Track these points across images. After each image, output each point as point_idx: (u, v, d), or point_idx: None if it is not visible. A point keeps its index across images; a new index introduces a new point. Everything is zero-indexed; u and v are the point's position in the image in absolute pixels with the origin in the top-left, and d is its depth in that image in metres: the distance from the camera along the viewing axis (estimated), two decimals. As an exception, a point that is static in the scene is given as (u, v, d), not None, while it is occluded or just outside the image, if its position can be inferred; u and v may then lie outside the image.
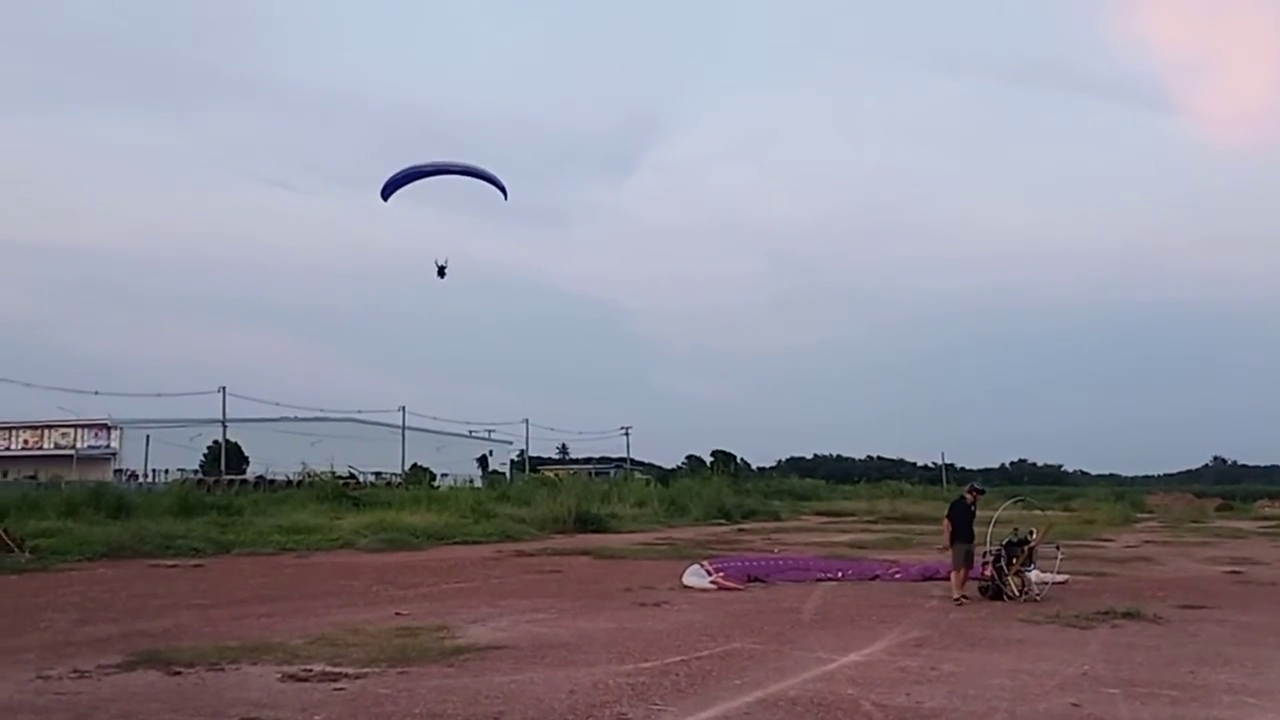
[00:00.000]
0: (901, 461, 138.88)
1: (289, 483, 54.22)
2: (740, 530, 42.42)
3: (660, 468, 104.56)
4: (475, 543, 31.62)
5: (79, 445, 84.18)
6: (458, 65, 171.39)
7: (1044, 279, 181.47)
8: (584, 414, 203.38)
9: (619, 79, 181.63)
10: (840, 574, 21.46)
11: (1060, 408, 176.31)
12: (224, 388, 72.84)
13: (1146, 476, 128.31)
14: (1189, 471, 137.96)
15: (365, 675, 10.38)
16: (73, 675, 10.27)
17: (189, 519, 31.68)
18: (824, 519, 56.01)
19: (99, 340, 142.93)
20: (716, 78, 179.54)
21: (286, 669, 10.63)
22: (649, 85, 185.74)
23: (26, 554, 22.90)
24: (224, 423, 74.87)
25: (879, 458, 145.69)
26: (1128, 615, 15.38)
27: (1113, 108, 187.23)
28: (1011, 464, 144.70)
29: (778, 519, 54.22)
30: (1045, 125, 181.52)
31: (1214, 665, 11.53)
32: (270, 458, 69.86)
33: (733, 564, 21.71)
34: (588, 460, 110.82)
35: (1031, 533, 18.09)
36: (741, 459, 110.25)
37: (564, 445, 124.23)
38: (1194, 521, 55.25)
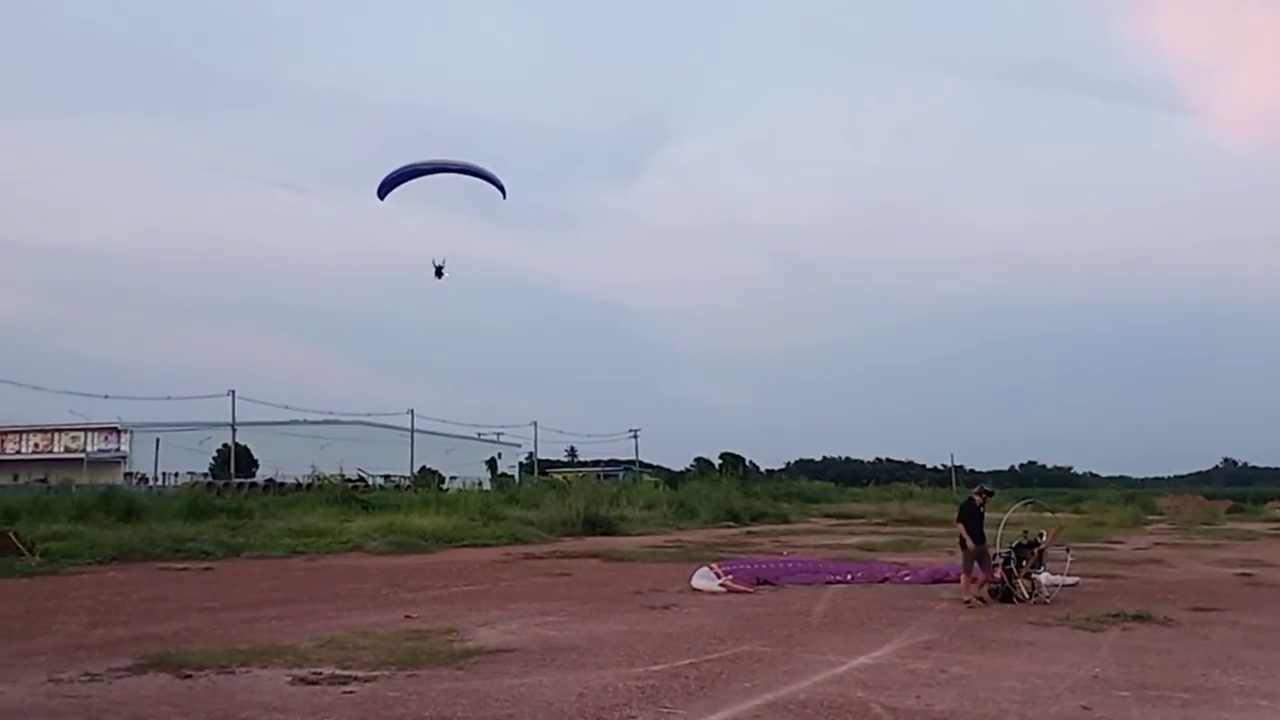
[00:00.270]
0: (910, 463, 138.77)
1: (298, 486, 54.30)
2: (749, 533, 42.38)
3: (669, 470, 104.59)
4: (484, 545, 31.65)
5: (89, 449, 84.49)
6: (463, 67, 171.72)
7: (1052, 279, 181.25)
8: (592, 416, 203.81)
9: (625, 81, 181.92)
10: (850, 576, 21.41)
11: (1069, 409, 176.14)
12: (233, 391, 72.92)
13: (1156, 478, 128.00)
14: (1199, 473, 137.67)
15: (375, 678, 10.38)
16: (84, 678, 10.29)
17: (199, 522, 31.78)
18: (833, 521, 55.89)
19: (108, 344, 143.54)
20: (722, 80, 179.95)
21: (296, 672, 10.63)
22: (655, 87, 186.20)
23: (37, 557, 22.98)
24: (233, 426, 74.93)
25: (888, 460, 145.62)
26: (1138, 618, 15.33)
27: (1118, 108, 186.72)
28: (1021, 466, 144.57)
29: (786, 521, 54.14)
30: (1050, 126, 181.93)
31: (1225, 668, 11.48)
32: (280, 461, 70.00)
33: (742, 567, 21.70)
34: (596, 463, 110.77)
35: (1041, 535, 18.06)
36: (750, 461, 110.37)
37: (572, 448, 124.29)
38: (1204, 523, 55.09)
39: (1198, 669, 11.41)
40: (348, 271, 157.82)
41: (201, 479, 66.29)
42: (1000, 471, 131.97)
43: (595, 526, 39.17)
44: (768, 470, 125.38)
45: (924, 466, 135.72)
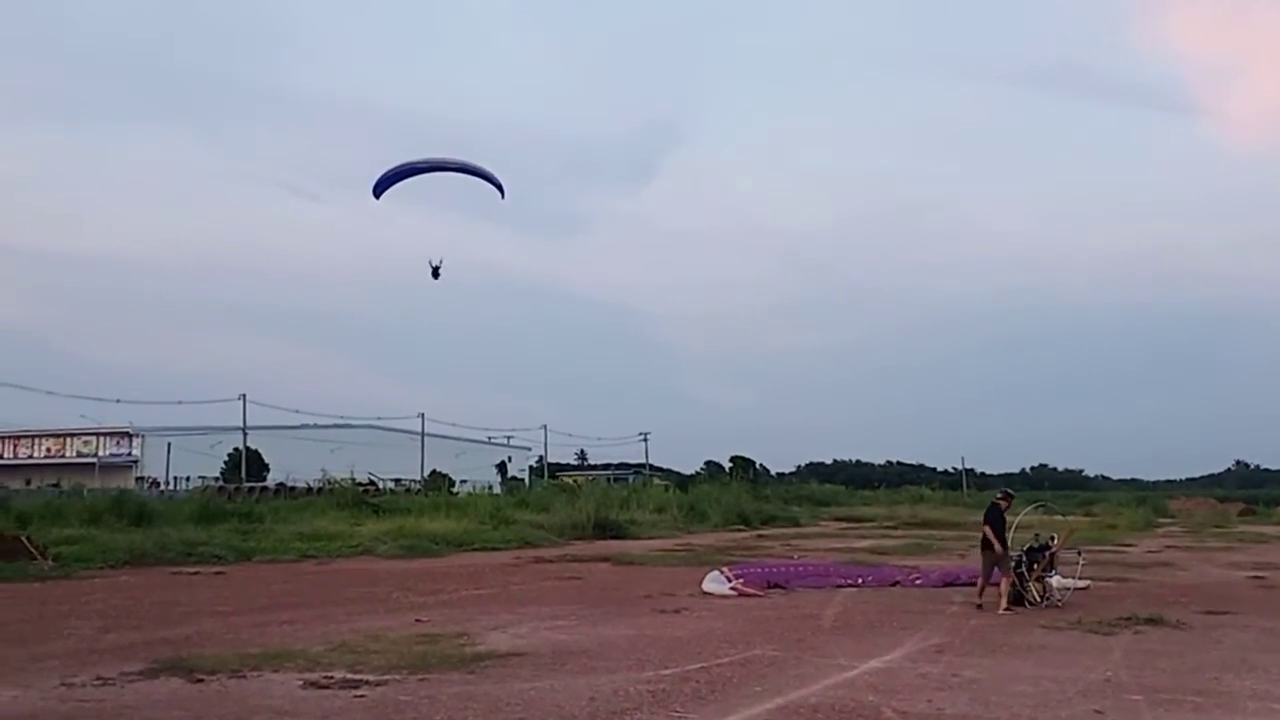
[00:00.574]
0: (921, 467, 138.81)
1: (309, 490, 54.45)
2: (759, 536, 42.31)
3: (679, 473, 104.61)
4: (495, 549, 31.63)
5: (101, 453, 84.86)
6: (475, 73, 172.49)
7: (1062, 281, 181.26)
8: (602, 420, 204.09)
9: (636, 86, 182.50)
10: (860, 580, 21.38)
11: (1080, 412, 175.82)
12: (244, 395, 73.40)
13: (1168, 481, 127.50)
14: (1211, 476, 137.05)
15: (386, 682, 10.39)
16: (96, 683, 10.32)
17: (210, 526, 31.89)
18: (844, 525, 55.79)
19: (120, 349, 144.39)
20: (733, 84, 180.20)
21: (308, 676, 10.65)
22: (666, 92, 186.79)
23: (50, 561, 23.04)
24: (244, 430, 75.24)
25: (899, 463, 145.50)
26: (1150, 621, 15.28)
27: (1128, 110, 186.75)
28: (1032, 469, 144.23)
29: (797, 525, 54.10)
30: (1059, 128, 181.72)
31: (1238, 671, 11.44)
32: (291, 465, 70.22)
33: (752, 570, 21.67)
34: (606, 466, 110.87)
35: (1053, 538, 18.00)
36: (760, 464, 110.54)
37: (582, 451, 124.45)
38: (1216, 526, 54.85)
39: (1210, 672, 11.37)
40: (359, 276, 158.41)
41: (213, 483, 66.60)
42: (1011, 474, 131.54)
43: (605, 530, 39.15)
44: (778, 473, 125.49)
45: (935, 469, 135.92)
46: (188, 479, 71.24)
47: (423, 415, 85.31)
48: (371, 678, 10.58)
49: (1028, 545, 17.63)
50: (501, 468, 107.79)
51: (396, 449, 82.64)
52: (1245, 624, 15.57)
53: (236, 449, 77.93)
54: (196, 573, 23.22)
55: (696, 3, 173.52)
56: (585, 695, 9.81)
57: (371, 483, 61.58)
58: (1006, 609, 16.57)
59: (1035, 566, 17.30)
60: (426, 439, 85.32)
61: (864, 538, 41.39)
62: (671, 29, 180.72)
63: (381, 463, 72.48)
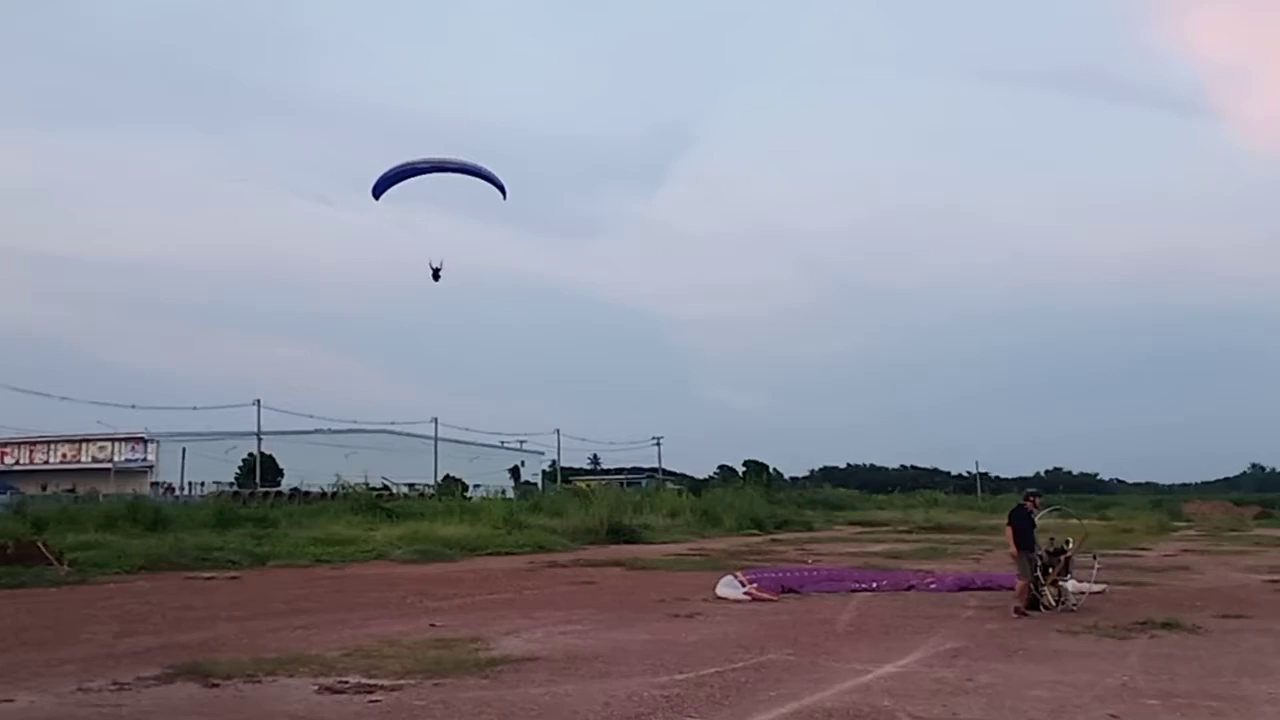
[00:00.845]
0: (935, 470, 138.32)
1: (323, 494, 54.57)
2: (773, 541, 42.29)
3: (692, 478, 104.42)
4: (508, 554, 31.67)
5: (116, 458, 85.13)
6: (490, 77, 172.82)
7: (1078, 285, 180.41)
8: (615, 424, 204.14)
9: (650, 90, 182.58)
10: (875, 584, 21.32)
11: (1096, 415, 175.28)
12: (259, 400, 73.64)
13: (1184, 484, 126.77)
14: (1226, 479, 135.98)
15: (401, 687, 10.41)
16: (113, 687, 10.36)
17: (225, 531, 32.02)
18: (858, 529, 55.73)
19: (135, 354, 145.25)
20: (748, 87, 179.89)
21: (323, 681, 10.68)
22: (680, 96, 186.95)
23: (66, 567, 23.15)
24: (259, 435, 75.49)
25: (913, 467, 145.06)
26: (1167, 625, 15.19)
27: (1146, 113, 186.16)
28: (1047, 472, 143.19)
29: (811, 529, 54.03)
30: (1076, 131, 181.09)
31: (1255, 675, 11.38)
32: (305, 470, 70.34)
33: (766, 575, 21.66)
34: (619, 470, 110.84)
35: (1068, 542, 17.93)
36: (774, 469, 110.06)
37: (595, 455, 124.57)
38: (1232, 530, 54.53)
39: (1227, 677, 11.32)
40: (372, 280, 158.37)
41: (227, 488, 66.78)
42: (1026, 478, 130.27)
43: (619, 534, 39.15)
44: (792, 478, 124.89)
45: (949, 473, 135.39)
46: (202, 484, 71.45)
47: (436, 419, 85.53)
48: (386, 683, 10.60)
49: (1043, 549, 17.56)
50: (514, 472, 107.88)
51: (410, 453, 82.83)
52: (1262, 628, 15.49)
53: (251, 454, 78.16)
54: (212, 578, 23.31)
55: (710, 5, 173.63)
56: (600, 700, 9.82)
57: (385, 487, 61.65)
58: (1020, 612, 16.53)
59: (1050, 571, 17.23)
60: (440, 443, 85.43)
61: (878, 542, 41.31)
62: (685, 32, 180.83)
63: (395, 467, 72.60)
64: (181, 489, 71.80)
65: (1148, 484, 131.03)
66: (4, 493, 56.82)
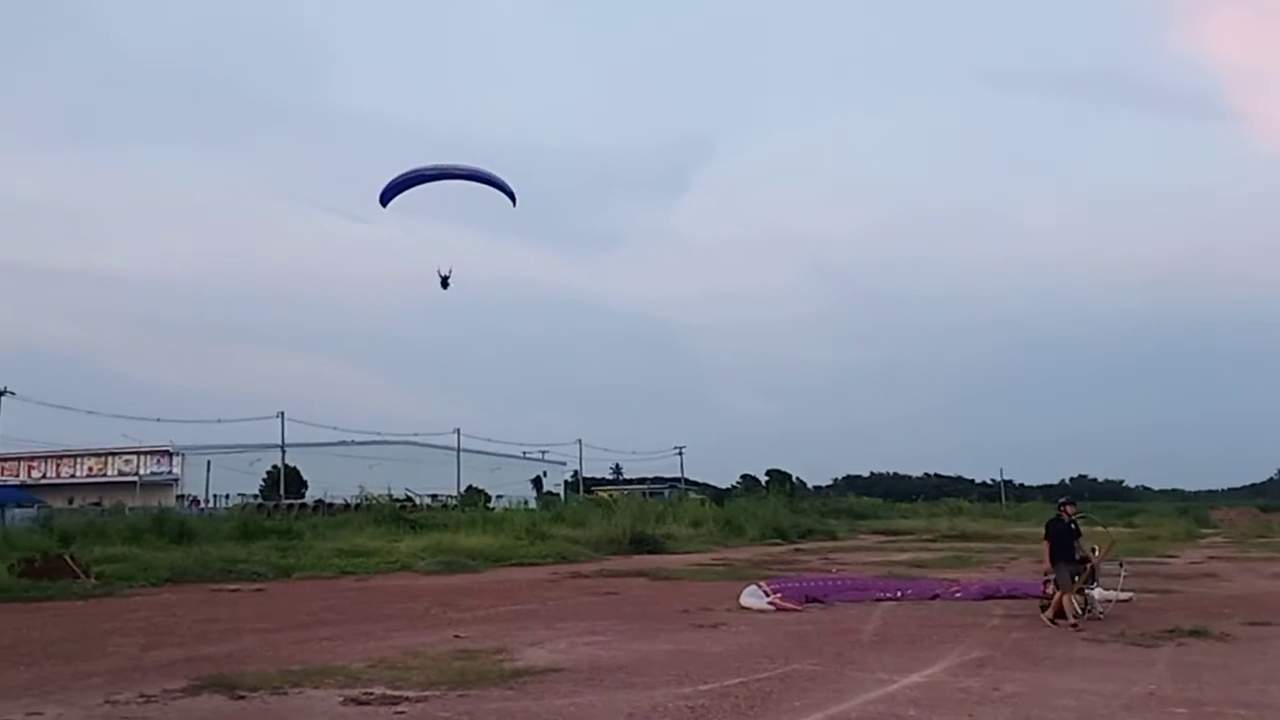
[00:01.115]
0: (959, 478, 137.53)
1: (347, 506, 54.86)
2: (797, 550, 42.15)
3: (715, 487, 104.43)
4: (531, 564, 31.72)
5: (142, 471, 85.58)
6: (510, 91, 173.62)
7: (1101, 290, 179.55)
8: (637, 434, 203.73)
9: (668, 101, 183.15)
10: (899, 594, 21.22)
11: (1120, 422, 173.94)
12: (282, 413, 73.92)
13: (1210, 491, 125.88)
14: (1253, 485, 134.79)
15: (425, 698, 10.43)
16: (140, 700, 10.42)
17: (250, 543, 32.21)
18: (882, 538, 55.45)
19: (160, 368, 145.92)
20: (765, 96, 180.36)
21: (348, 692, 10.71)
22: (698, 106, 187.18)
23: (93, 580, 23.31)
24: (283, 447, 75.79)
25: (936, 475, 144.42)
26: (1194, 633, 15.08)
27: (1164, 117, 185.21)
28: (1072, 479, 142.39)
29: (834, 538, 53.79)
30: (1093, 135, 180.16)
31: (1285, 684, 11.28)
32: (329, 481, 70.69)
33: (790, 584, 21.60)
34: (641, 480, 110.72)
35: (1094, 550, 17.79)
36: (797, 478, 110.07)
37: (617, 465, 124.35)
38: (1260, 536, 53.96)
39: (1256, 684, 11.22)
40: (394, 293, 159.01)
41: (252, 500, 67.17)
42: (1051, 485, 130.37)
43: (642, 545, 39.13)
44: (815, 487, 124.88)
45: (973, 481, 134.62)
46: (227, 497, 71.83)
47: (458, 430, 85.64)
48: (411, 694, 10.62)
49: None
50: (537, 482, 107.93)
51: (433, 464, 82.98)
52: (1292, 636, 15.35)
53: (275, 466, 78.50)
54: (237, 590, 23.41)
55: (727, 16, 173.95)
56: (624, 711, 9.81)
57: (409, 499, 61.90)
58: (1052, 620, 16.35)
59: (1076, 579, 17.10)
60: (462, 454, 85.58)
61: (902, 551, 41.12)
62: (702, 42, 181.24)
63: (418, 478, 72.86)
64: (207, 502, 72.17)
65: (1173, 490, 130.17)
66: (31, 506, 57.21)
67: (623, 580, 26.23)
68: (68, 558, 24.16)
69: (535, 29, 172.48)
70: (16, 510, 50.06)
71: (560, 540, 38.27)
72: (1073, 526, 17.14)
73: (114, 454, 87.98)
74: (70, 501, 72.06)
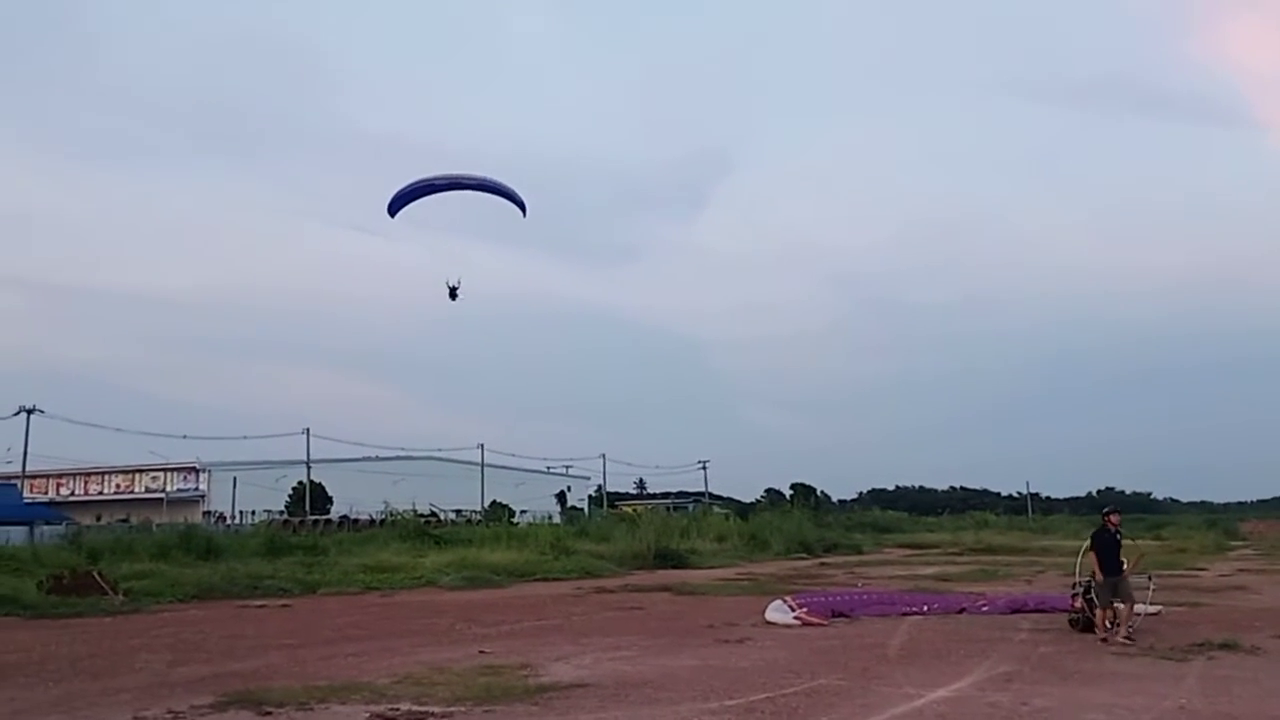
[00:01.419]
0: (985, 491, 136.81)
1: (372, 522, 54.93)
2: (822, 564, 42.00)
3: (739, 502, 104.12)
4: (556, 579, 31.72)
5: (169, 488, 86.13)
6: (531, 109, 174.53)
7: (1124, 302, 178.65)
8: (661, 448, 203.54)
9: (687, 115, 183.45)
10: (926, 607, 21.11)
11: (1148, 433, 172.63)
12: (308, 429, 74.30)
13: (1239, 503, 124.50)
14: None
15: (451, 714, 10.44)
16: (167, 716, 10.46)
17: (276, 559, 32.31)
18: (907, 551, 55.19)
19: (187, 386, 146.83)
20: (784, 109, 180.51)
21: (374, 708, 10.72)
22: (717, 120, 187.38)
23: (121, 596, 23.43)
24: (308, 464, 76.13)
25: (962, 488, 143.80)
26: (1224, 646, 14.94)
27: (1181, 125, 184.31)
28: (1099, 492, 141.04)
29: (860, 552, 53.52)
30: (1112, 144, 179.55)
31: (1317, 698, 11.16)
32: (353, 497, 70.89)
33: (816, 599, 21.50)
34: (665, 495, 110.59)
35: (1122, 563, 17.66)
36: (821, 491, 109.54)
37: (641, 480, 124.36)
38: (1290, 548, 53.51)
39: (1288, 699, 11.10)
40: (419, 310, 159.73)
41: (278, 516, 67.38)
42: (1078, 498, 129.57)
43: (666, 559, 39.06)
44: (840, 500, 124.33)
45: (999, 494, 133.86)
46: (253, 513, 72.12)
47: (482, 446, 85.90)
48: (437, 709, 10.63)
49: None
50: (561, 497, 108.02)
51: (457, 480, 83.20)
52: (1324, 649, 15.17)
53: (300, 482, 78.86)
54: (263, 606, 23.49)
55: (745, 29, 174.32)
56: (650, 726, 9.79)
57: (433, 514, 61.98)
58: (1126, 638, 15.89)
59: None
60: (486, 469, 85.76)
61: (928, 564, 40.91)
62: (721, 59, 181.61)
63: (442, 494, 72.98)
64: (233, 518, 72.51)
65: (1202, 502, 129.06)
66: (60, 523, 57.56)
67: (647, 595, 26.19)
68: (96, 574, 24.30)
69: (554, 46, 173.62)
70: (45, 527, 50.28)
71: (584, 555, 38.24)
72: (1118, 537, 16.96)
73: (141, 471, 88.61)
74: (98, 518, 72.47)
